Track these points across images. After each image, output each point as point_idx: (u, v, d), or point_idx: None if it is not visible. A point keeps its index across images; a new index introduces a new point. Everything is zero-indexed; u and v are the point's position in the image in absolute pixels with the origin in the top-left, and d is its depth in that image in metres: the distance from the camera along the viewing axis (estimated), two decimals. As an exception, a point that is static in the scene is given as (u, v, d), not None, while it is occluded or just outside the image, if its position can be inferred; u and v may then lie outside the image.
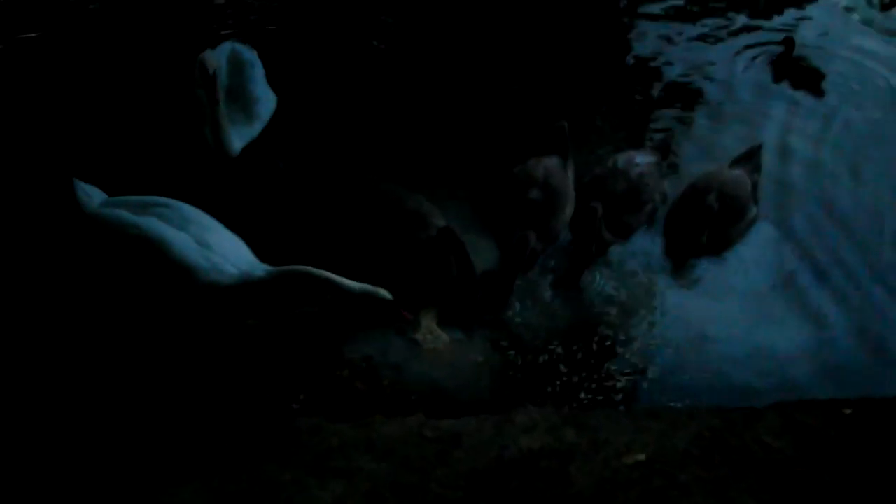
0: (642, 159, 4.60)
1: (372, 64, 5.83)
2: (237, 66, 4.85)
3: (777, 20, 6.35)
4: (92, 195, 4.00)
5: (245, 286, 3.78)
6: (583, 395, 3.65)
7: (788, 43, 5.75)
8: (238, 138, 4.63)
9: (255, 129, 4.75)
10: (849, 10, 6.48)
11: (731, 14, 6.38)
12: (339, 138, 5.06)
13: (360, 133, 5.12)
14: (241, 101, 4.78)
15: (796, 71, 5.67)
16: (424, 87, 5.58)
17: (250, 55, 4.94)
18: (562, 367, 3.77)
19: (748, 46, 6.01)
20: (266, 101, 4.87)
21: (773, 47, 5.90)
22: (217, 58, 4.60)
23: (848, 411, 3.22)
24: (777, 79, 5.70)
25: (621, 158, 4.62)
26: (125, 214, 3.84)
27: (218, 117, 4.48)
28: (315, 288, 3.75)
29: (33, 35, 6.22)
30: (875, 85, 5.65)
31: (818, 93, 5.55)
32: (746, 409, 3.33)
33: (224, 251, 3.81)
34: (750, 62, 5.86)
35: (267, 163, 4.80)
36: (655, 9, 6.49)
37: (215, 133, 4.52)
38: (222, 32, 6.14)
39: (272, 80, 4.95)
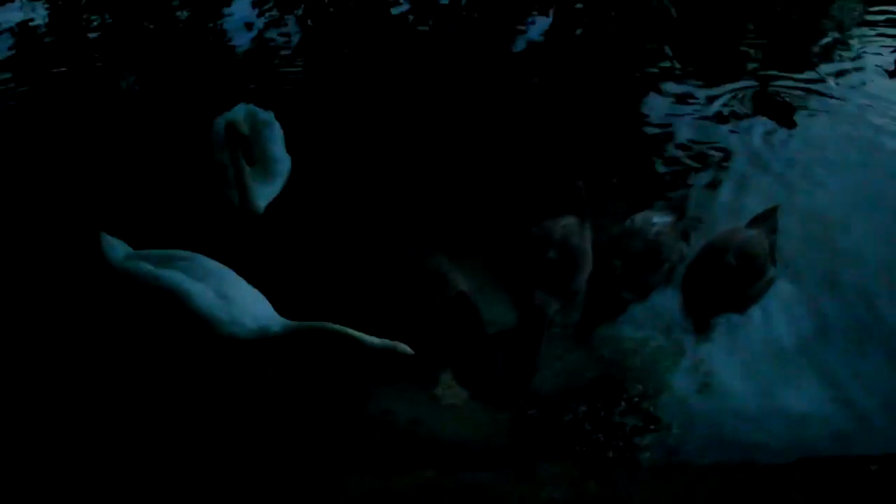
0: (659, 219, 4.63)
1: (392, 123, 5.96)
2: (255, 127, 4.96)
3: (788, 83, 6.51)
4: (117, 248, 4.08)
5: (264, 339, 3.81)
6: (603, 450, 3.60)
7: None
8: (262, 197, 4.72)
9: (277, 187, 4.85)
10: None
11: (741, 78, 6.52)
12: (359, 196, 5.14)
13: (380, 191, 5.20)
14: (261, 160, 4.89)
15: None
16: (444, 147, 5.68)
17: (266, 115, 5.06)
18: (581, 423, 3.73)
19: (760, 110, 6.12)
20: (284, 160, 4.98)
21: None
22: (233, 119, 4.74)
23: (874, 467, 3.17)
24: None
25: (638, 218, 4.66)
26: (148, 267, 3.90)
27: (244, 178, 4.57)
28: (334, 343, 3.77)
29: (61, 90, 6.46)
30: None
31: None
32: (770, 465, 3.29)
33: (244, 304, 3.85)
34: (761, 124, 5.97)
35: (290, 218, 4.88)
36: (670, 73, 6.64)
37: (242, 194, 4.61)
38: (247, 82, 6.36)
39: (290, 139, 5.06)
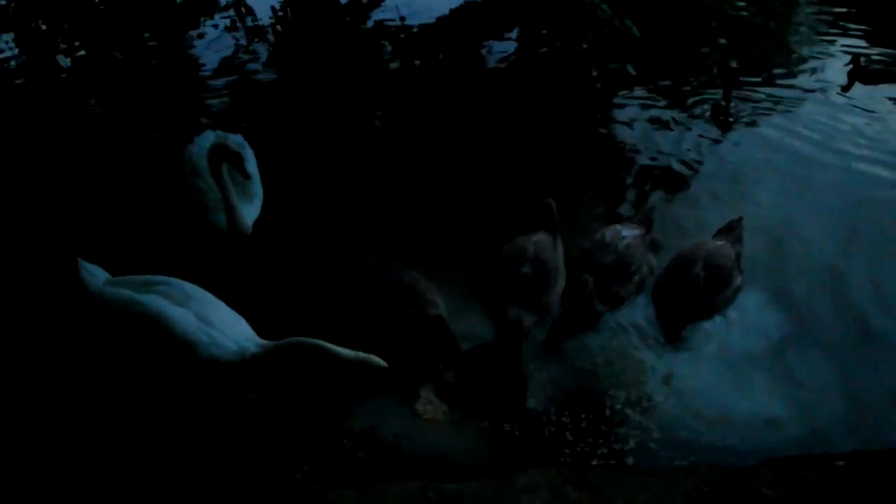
0: (628, 232, 4.77)
1: (366, 144, 6.08)
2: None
3: (746, 95, 6.71)
4: (95, 275, 4.10)
5: (244, 361, 3.86)
6: (582, 457, 3.69)
7: (856, 59, 6.84)
8: (248, 217, 4.79)
9: (256, 207, 4.92)
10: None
11: (703, 97, 6.73)
12: (332, 217, 5.24)
13: (353, 211, 5.30)
14: (238, 183, 4.95)
15: (865, 75, 6.84)
16: (418, 166, 5.80)
17: (237, 139, 5.14)
18: (560, 431, 3.82)
19: (719, 124, 6.33)
20: (258, 181, 5.05)
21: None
22: (204, 145, 4.80)
23: (841, 463, 3.29)
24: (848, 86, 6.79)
25: (608, 232, 4.79)
26: (128, 293, 3.93)
27: (232, 199, 4.63)
28: (310, 357, 3.81)
29: (33, 117, 6.49)
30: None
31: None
32: (743, 466, 3.40)
33: (223, 327, 3.89)
34: (720, 138, 6.18)
35: (267, 241, 4.94)
36: (634, 93, 6.82)
37: (230, 215, 4.66)
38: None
39: (266, 162, 5.13)
